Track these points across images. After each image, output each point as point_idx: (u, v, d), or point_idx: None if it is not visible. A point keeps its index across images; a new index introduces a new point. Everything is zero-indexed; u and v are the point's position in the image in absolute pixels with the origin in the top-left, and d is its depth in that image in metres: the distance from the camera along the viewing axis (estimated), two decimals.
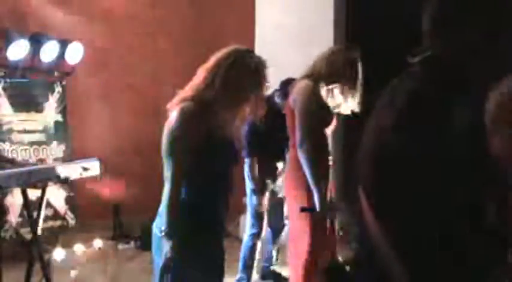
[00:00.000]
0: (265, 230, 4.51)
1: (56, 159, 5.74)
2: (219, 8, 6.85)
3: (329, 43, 5.14)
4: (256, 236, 4.41)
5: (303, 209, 3.06)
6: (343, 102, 3.14)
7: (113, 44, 6.46)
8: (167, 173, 2.19)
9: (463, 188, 1.39)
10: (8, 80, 5.47)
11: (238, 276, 4.42)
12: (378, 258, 1.48)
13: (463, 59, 1.49)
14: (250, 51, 2.37)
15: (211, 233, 2.34)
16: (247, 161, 4.33)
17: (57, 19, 5.98)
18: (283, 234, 4.51)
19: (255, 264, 4.46)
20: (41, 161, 5.57)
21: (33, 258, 3.71)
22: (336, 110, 3.20)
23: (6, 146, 5.42)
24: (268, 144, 4.18)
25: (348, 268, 2.69)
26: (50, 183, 3.68)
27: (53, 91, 5.90)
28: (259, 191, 4.28)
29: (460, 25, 1.47)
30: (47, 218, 5.41)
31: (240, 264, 4.42)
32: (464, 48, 1.48)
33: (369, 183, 1.52)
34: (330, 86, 3.09)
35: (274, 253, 4.71)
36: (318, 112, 3.08)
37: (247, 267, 4.41)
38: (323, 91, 3.10)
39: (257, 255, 4.46)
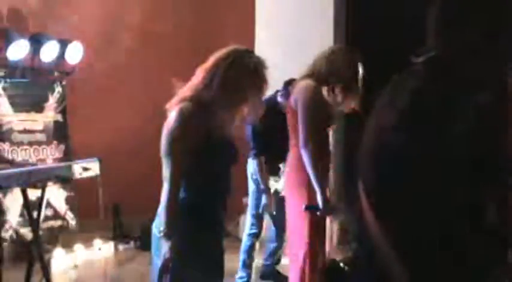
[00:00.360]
0: (266, 230, 4.51)
1: (55, 159, 5.74)
2: (219, 8, 6.84)
3: (329, 43, 5.13)
4: (255, 236, 4.41)
5: (307, 207, 3.06)
6: (344, 101, 3.14)
7: (113, 44, 6.46)
8: (166, 173, 2.19)
9: (463, 188, 1.38)
10: (8, 80, 5.47)
11: (238, 275, 4.43)
12: (378, 258, 1.48)
13: (467, 60, 1.48)
14: (250, 51, 2.37)
15: (211, 233, 2.33)
16: (251, 161, 4.33)
17: (57, 19, 5.98)
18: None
19: (254, 264, 4.47)
20: (41, 161, 5.56)
21: (33, 258, 3.72)
22: (337, 110, 3.20)
23: (6, 146, 5.41)
24: (272, 144, 4.19)
25: (347, 268, 2.69)
26: (49, 183, 3.68)
27: (53, 91, 5.89)
28: (269, 191, 4.28)
29: (465, 25, 1.47)
30: (47, 218, 5.41)
31: (240, 264, 4.43)
32: (469, 48, 1.47)
33: (369, 183, 1.52)
34: (331, 85, 3.09)
35: (280, 252, 4.71)
36: (320, 112, 3.07)
37: (247, 267, 4.42)
38: (324, 90, 3.10)
39: (255, 255, 4.47)
